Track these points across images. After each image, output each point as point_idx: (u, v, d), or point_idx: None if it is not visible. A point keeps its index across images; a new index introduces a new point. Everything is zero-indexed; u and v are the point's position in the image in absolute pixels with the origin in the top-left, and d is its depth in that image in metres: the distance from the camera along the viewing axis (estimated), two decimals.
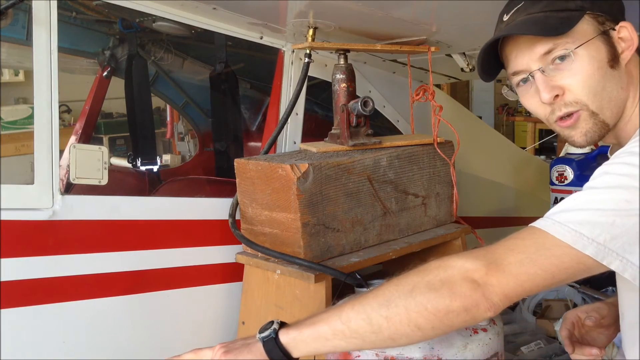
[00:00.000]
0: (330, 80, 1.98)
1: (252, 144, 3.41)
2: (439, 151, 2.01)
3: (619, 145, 1.15)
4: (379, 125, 2.58)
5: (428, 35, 1.99)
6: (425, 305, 0.97)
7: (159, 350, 1.87)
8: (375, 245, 1.89)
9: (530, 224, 1.01)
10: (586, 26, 1.08)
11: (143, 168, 3.24)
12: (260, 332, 1.07)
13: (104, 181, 1.74)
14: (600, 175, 0.98)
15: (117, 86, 3.28)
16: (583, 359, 1.31)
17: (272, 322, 1.08)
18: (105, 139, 5.56)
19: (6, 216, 1.53)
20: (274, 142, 2.01)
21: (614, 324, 1.31)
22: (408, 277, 1.02)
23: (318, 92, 2.84)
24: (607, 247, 0.93)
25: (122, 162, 3.42)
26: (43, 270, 1.61)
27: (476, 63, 1.21)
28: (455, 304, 0.96)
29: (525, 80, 1.13)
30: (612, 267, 0.94)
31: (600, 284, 2.74)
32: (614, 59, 1.08)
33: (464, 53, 2.30)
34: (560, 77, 1.09)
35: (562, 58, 1.08)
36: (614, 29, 1.09)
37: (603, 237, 0.93)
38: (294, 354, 1.05)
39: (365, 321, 1.00)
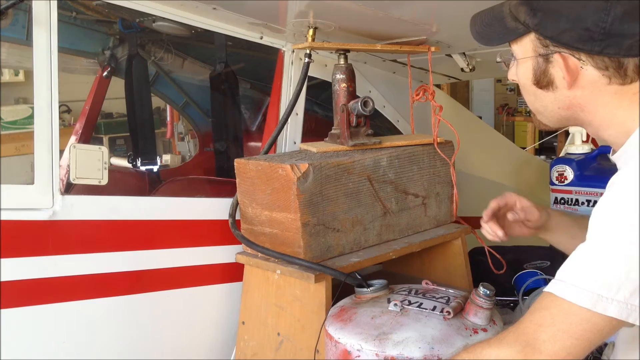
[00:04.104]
0: (330, 80, 1.98)
1: (252, 144, 3.41)
2: (439, 151, 2.01)
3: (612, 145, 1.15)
4: (379, 125, 2.58)
5: (428, 35, 1.99)
6: None
7: (159, 350, 1.87)
8: (375, 245, 1.89)
9: (545, 289, 0.98)
10: (528, 43, 1.09)
11: (143, 168, 3.23)
12: None
13: (104, 181, 1.74)
14: (598, 217, 0.96)
15: (117, 86, 3.28)
16: (487, 231, 1.39)
17: None
18: (105, 139, 5.56)
19: (6, 216, 1.53)
20: (274, 142, 2.01)
21: (537, 231, 1.39)
22: None
23: (318, 92, 2.83)
24: (629, 303, 0.89)
25: (122, 162, 3.42)
26: (43, 270, 1.61)
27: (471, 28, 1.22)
28: None
29: None
30: (638, 324, 0.91)
31: None
32: (539, 82, 1.10)
33: (464, 53, 2.30)
34: (514, 73, 1.16)
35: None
36: (561, 54, 1.04)
37: (622, 293, 0.89)
38: None
39: None
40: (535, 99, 1.14)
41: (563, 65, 1.04)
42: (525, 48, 1.10)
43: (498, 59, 1.23)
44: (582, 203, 2.88)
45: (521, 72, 1.13)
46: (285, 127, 2.06)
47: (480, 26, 1.18)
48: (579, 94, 1.07)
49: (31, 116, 1.60)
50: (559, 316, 0.93)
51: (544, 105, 1.13)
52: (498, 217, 1.43)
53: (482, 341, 1.06)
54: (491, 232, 1.41)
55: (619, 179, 0.97)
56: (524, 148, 5.95)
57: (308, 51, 1.92)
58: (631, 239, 0.89)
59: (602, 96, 1.05)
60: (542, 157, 6.44)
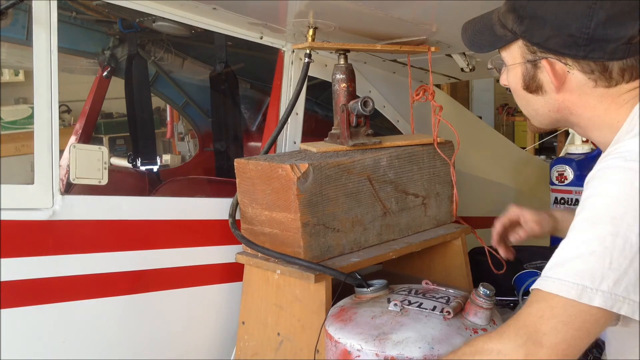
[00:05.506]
0: (330, 80, 1.98)
1: (252, 144, 3.41)
2: (439, 151, 2.01)
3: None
4: (379, 125, 2.58)
5: (428, 35, 1.99)
6: None
7: (159, 350, 1.87)
8: (375, 245, 1.89)
9: (533, 286, 0.98)
10: (516, 50, 1.12)
11: (143, 168, 3.24)
12: None
13: (104, 181, 1.74)
14: (579, 213, 0.98)
15: (117, 86, 3.29)
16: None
17: None
18: (105, 139, 5.56)
19: (6, 216, 1.53)
20: (274, 142, 2.01)
21: (545, 235, 1.45)
22: None
23: (318, 92, 2.83)
24: (613, 293, 0.90)
25: (122, 162, 3.42)
26: (43, 270, 1.61)
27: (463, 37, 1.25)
28: None
29: None
30: (622, 313, 0.91)
31: None
32: (528, 87, 1.13)
33: (464, 53, 2.30)
34: (505, 78, 1.19)
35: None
36: (547, 60, 1.08)
37: (606, 283, 0.90)
38: None
39: None
40: (526, 103, 1.17)
41: (550, 71, 1.08)
42: (514, 54, 1.13)
43: (489, 66, 1.28)
44: None
45: (511, 78, 1.17)
46: (285, 127, 2.06)
47: (471, 34, 1.21)
48: (567, 97, 1.10)
49: (31, 116, 1.60)
50: (558, 309, 0.94)
51: (535, 110, 1.17)
52: (506, 233, 1.47)
53: (483, 335, 1.06)
54: (504, 256, 1.48)
55: (599, 174, 0.99)
56: (524, 148, 5.94)
57: (308, 51, 1.92)
58: (610, 230, 0.91)
59: (589, 99, 1.09)
60: (542, 157, 6.44)
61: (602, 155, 1.02)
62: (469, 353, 1.01)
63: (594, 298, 0.91)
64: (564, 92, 1.09)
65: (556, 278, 0.94)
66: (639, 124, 1.01)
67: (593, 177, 0.99)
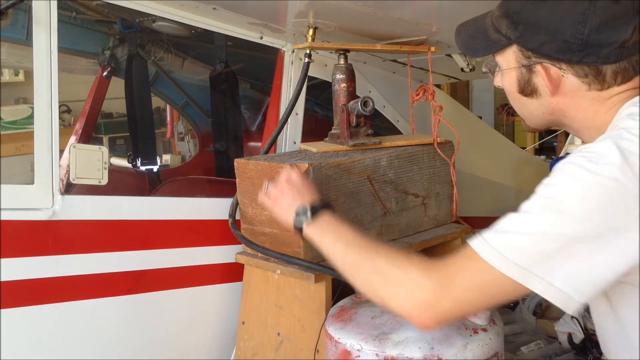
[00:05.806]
0: (330, 80, 1.98)
1: (252, 144, 3.42)
2: (439, 151, 2.01)
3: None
4: (379, 125, 2.58)
5: (428, 35, 1.99)
6: (378, 290, 1.13)
7: (159, 350, 1.87)
8: None
9: (470, 242, 1.05)
10: (511, 54, 1.14)
11: (143, 168, 3.24)
12: (298, 214, 1.35)
13: (104, 181, 1.74)
14: (534, 195, 1.02)
15: (117, 86, 3.29)
16: None
17: (305, 211, 1.34)
18: (105, 139, 5.57)
19: (6, 216, 1.53)
20: (274, 142, 2.01)
21: None
22: (380, 257, 1.13)
23: (318, 92, 2.83)
24: (529, 270, 0.96)
25: (122, 162, 3.43)
26: (43, 270, 1.61)
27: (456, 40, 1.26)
28: (395, 307, 1.09)
29: None
30: (534, 289, 0.96)
31: None
32: (523, 90, 1.16)
33: (464, 53, 2.30)
34: (499, 80, 1.22)
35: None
36: (542, 65, 1.10)
37: (527, 261, 0.96)
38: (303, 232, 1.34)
39: (342, 265, 1.21)
40: (521, 105, 1.20)
41: (545, 75, 1.10)
42: (509, 59, 1.15)
43: (484, 69, 1.29)
44: None
45: (506, 81, 1.19)
46: (285, 127, 2.06)
47: (465, 38, 1.23)
48: (561, 100, 1.13)
49: (31, 116, 1.60)
50: (477, 269, 1.01)
51: (530, 111, 1.19)
52: None
53: (419, 258, 1.12)
54: None
55: (564, 167, 1.01)
56: (524, 148, 5.94)
57: (308, 51, 1.92)
58: (551, 221, 0.95)
59: (581, 102, 1.11)
60: (542, 157, 6.44)
61: (574, 151, 1.05)
62: (400, 262, 1.11)
63: (510, 269, 0.97)
64: (558, 96, 1.12)
65: (491, 245, 1.00)
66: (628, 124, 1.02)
67: (557, 168, 1.02)
